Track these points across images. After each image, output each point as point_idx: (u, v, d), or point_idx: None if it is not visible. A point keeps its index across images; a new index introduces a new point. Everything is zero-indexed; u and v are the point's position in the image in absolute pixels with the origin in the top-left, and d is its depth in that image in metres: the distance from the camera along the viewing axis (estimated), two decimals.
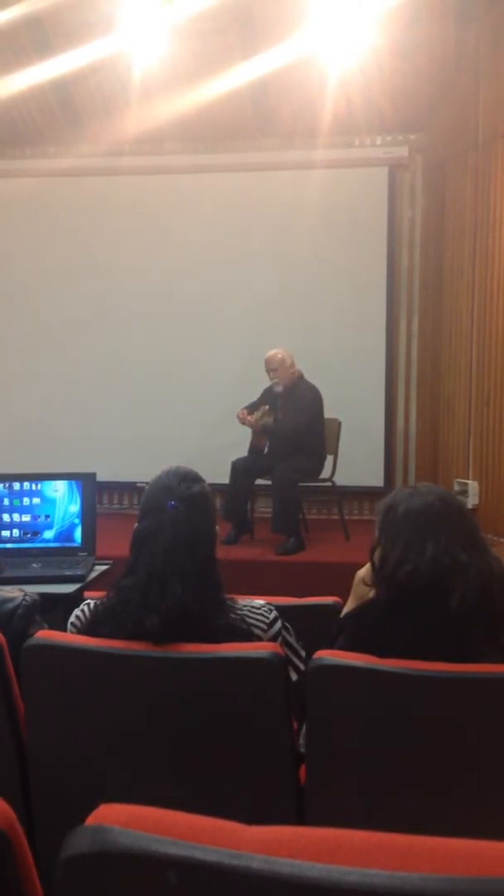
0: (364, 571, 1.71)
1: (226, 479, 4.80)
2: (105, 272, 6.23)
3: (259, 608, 1.67)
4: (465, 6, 5.07)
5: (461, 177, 5.40)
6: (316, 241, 5.96)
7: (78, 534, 2.81)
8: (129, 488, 6.12)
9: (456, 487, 5.31)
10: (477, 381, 5.28)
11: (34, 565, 2.68)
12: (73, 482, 2.83)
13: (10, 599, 1.82)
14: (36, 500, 2.81)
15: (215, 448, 5.36)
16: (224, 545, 4.62)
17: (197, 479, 1.68)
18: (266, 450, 4.93)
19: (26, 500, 2.81)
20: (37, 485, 2.81)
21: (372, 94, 5.56)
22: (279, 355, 4.90)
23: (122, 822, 0.70)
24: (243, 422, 4.82)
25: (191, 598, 1.53)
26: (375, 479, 5.93)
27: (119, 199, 6.20)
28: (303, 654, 1.74)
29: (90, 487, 2.83)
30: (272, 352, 4.93)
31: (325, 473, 5.00)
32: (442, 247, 5.67)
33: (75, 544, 2.80)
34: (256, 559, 4.63)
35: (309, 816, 1.47)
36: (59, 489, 2.82)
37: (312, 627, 1.87)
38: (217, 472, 4.33)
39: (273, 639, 1.64)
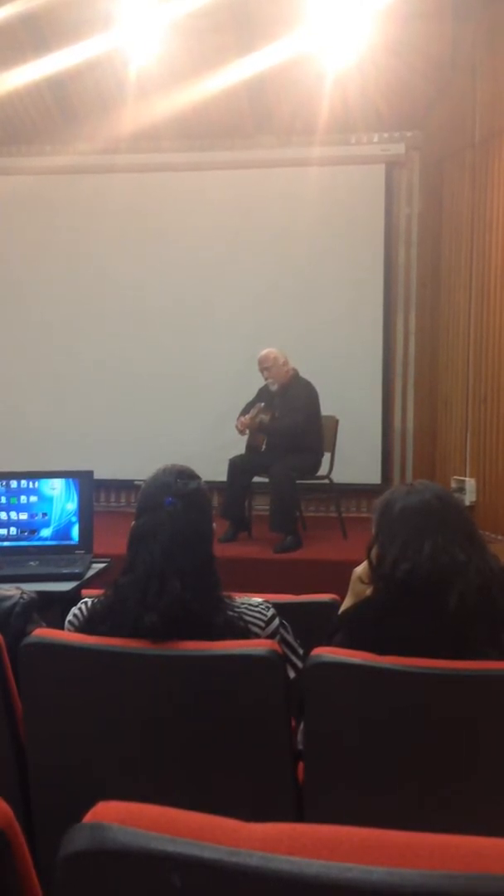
0: (361, 569, 1.70)
1: (223, 477, 4.79)
2: (102, 270, 6.22)
3: (257, 606, 1.67)
4: (461, 4, 5.07)
5: (458, 174, 5.40)
6: (313, 239, 5.95)
7: (75, 532, 2.81)
8: (127, 486, 6.11)
9: (453, 485, 5.31)
10: (474, 378, 5.28)
11: (31, 563, 2.67)
12: (71, 480, 2.82)
13: (8, 598, 1.82)
14: (33, 499, 2.81)
15: (213, 446, 5.36)
16: (222, 543, 4.63)
17: (193, 476, 1.68)
18: (263, 448, 4.93)
19: (23, 498, 2.80)
20: (34, 483, 2.81)
21: (369, 92, 5.57)
22: (272, 354, 4.89)
23: (120, 819, 0.70)
24: (242, 431, 4.83)
25: (189, 595, 1.53)
26: (373, 476, 5.93)
27: (116, 197, 6.19)
28: (300, 651, 1.74)
29: (87, 485, 2.83)
30: (265, 351, 4.92)
31: (323, 471, 4.99)
32: (439, 244, 5.67)
33: (73, 542, 2.80)
34: (254, 557, 4.62)
35: (308, 814, 1.46)
36: (56, 487, 2.81)
37: (310, 625, 1.87)
38: (215, 470, 4.34)
39: (271, 636, 1.64)
